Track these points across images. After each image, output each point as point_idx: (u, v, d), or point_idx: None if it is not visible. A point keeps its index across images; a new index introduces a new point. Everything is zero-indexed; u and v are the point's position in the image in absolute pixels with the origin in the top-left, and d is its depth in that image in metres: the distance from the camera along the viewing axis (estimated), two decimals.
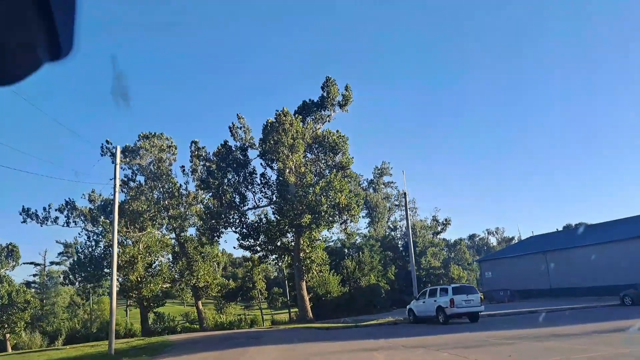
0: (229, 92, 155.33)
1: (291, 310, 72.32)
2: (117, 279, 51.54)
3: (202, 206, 39.38)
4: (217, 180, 35.05)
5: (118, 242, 52.37)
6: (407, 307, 28.38)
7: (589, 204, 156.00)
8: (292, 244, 37.46)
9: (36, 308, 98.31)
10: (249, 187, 36.79)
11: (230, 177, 36.01)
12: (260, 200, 37.38)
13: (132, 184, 49.59)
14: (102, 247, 49.74)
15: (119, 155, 25.47)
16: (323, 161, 35.43)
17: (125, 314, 69.48)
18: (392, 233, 71.91)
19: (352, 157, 36.16)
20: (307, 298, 36.30)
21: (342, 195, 33.00)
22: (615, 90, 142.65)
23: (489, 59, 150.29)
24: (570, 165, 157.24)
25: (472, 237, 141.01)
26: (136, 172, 48.42)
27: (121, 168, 49.49)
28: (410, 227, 31.22)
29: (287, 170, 34.37)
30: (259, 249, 37.99)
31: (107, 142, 47.96)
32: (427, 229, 74.03)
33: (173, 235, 50.40)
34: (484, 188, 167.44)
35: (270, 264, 38.38)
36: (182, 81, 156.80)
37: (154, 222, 47.43)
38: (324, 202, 32.52)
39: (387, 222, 78.84)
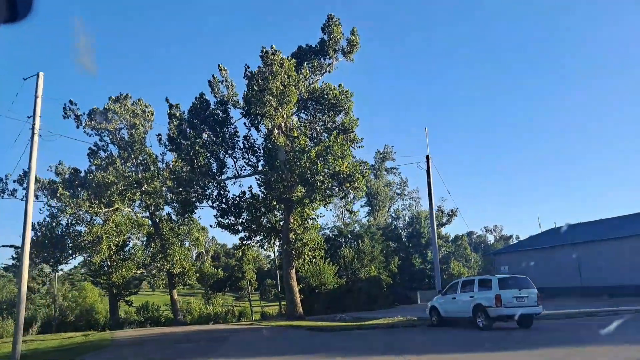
0: (213, 49, 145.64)
1: (282, 302, 65.12)
2: (85, 262, 43.91)
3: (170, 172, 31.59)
4: (189, 141, 27.49)
5: (82, 220, 45.05)
6: (429, 304, 21.00)
7: (593, 201, 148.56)
8: (281, 223, 29.99)
9: (14, 293, 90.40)
10: (229, 152, 29.25)
11: (206, 137, 28.48)
12: (243, 168, 29.92)
13: (102, 153, 42.05)
14: (64, 225, 42.30)
15: (41, 83, 17.92)
16: (321, 123, 27.94)
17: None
18: (395, 222, 64.44)
19: (357, 119, 28.64)
20: (296, 289, 28.87)
21: (343, 163, 25.54)
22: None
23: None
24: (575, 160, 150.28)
25: (469, 234, 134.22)
26: (105, 139, 40.76)
27: (87, 134, 42.09)
28: (432, 199, 23.79)
29: (276, 130, 26.89)
30: (240, 228, 30.52)
31: (71, 102, 40.45)
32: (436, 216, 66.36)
33: (148, 214, 42.93)
34: (483, 185, 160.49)
35: (255, 247, 30.57)
36: (157, 38, 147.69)
37: (123, 197, 39.91)
38: (321, 170, 25.05)
39: (388, 211, 71.33)
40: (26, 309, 61.75)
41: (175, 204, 31.38)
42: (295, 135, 27.16)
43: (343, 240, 49.90)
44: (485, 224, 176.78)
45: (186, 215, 32.59)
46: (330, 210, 64.51)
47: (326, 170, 25.73)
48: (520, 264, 43.62)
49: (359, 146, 27.83)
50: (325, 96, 28.14)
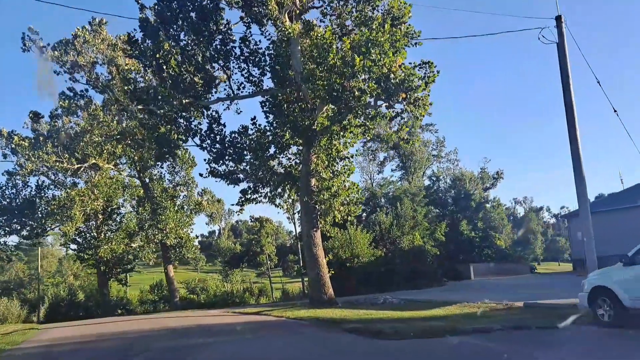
0: None
1: (305, 279, 55.94)
2: (71, 236, 34.71)
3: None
4: (159, 41, 17.56)
5: (60, 183, 36.01)
6: (587, 281, 10.56)
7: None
8: (299, 167, 20.07)
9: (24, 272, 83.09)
10: (220, 61, 19.15)
11: (184, 37, 18.48)
12: (242, 87, 19.82)
13: (80, 100, 32.44)
14: (34, 188, 33.30)
15: None
16: (352, 5, 17.48)
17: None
18: (435, 185, 53.84)
19: (410, 5, 18.03)
20: (323, 261, 18.88)
21: (395, 58, 15.34)
22: None
23: None
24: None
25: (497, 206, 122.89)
26: (74, 74, 31.01)
27: (55, 72, 32.54)
28: (570, 83, 13.20)
29: (285, 14, 16.75)
30: (241, 177, 20.70)
31: (31, 30, 30.84)
32: (478, 180, 55.49)
33: (135, 173, 33.57)
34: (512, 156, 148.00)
35: (263, 203, 20.59)
36: None
37: (101, 151, 30.51)
38: (359, 68, 14.92)
39: (423, 176, 60.51)
40: (33, 289, 52.87)
41: (148, 146, 21.47)
42: (313, 22, 17.06)
43: (376, 203, 39.88)
44: (514, 196, 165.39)
45: (166, 162, 22.71)
46: (358, 166, 54.28)
47: (368, 74, 15.55)
48: (604, 228, 32.88)
49: (416, 43, 17.36)
50: None
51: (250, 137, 20.45)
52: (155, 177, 32.77)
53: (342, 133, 17.90)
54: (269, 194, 20.90)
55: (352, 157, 19.29)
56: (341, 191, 18.54)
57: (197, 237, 35.28)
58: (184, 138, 20.60)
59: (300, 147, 19.65)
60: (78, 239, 35.84)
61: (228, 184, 20.82)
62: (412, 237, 35.37)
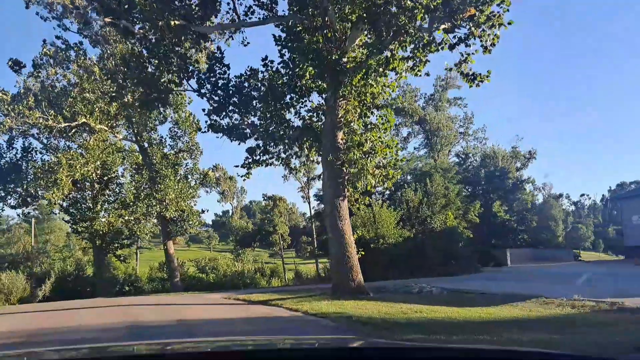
0: None
1: (320, 261, 51.84)
2: (55, 203, 30.92)
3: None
4: None
5: (42, 144, 31.84)
6: None
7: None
8: (322, 121, 15.52)
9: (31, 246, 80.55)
10: None
11: None
12: (250, 12, 15.20)
13: (70, 51, 28.11)
14: (20, 150, 29.39)
15: None
16: None
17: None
18: (466, 162, 48.79)
19: None
20: (351, 239, 14.34)
21: None
22: None
23: None
24: None
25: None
26: (70, 25, 26.54)
27: (42, 18, 28.15)
28: None
29: None
30: (248, 132, 16.24)
31: None
32: (509, 159, 50.17)
33: (133, 136, 29.34)
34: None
35: (275, 166, 16.07)
36: None
37: (92, 109, 26.28)
38: None
39: (449, 154, 55.34)
40: (40, 263, 49.32)
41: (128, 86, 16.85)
42: None
43: (402, 179, 35.18)
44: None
45: (156, 110, 18.02)
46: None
47: None
48: None
49: None
50: None
51: (261, 81, 15.95)
52: (154, 142, 28.55)
53: (381, 69, 13.24)
54: (282, 153, 16.42)
55: (392, 104, 14.49)
56: (378, 148, 13.95)
57: (203, 211, 30.76)
58: (177, 80, 16.15)
59: (324, 93, 15.05)
60: (73, 210, 32.12)
61: (232, 141, 16.39)
62: (444, 217, 30.75)
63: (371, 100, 14.28)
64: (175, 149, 28.98)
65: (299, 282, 35.61)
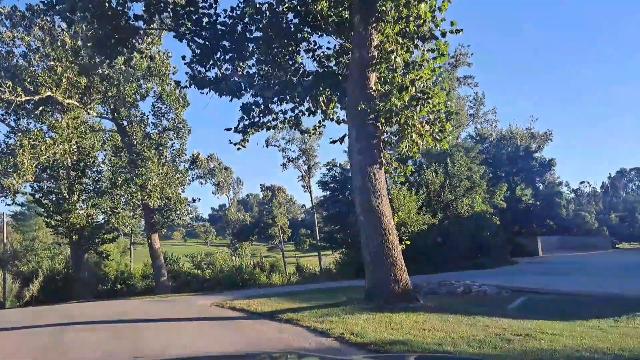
0: None
1: (324, 253, 47.72)
2: (17, 189, 26.35)
3: None
4: None
5: (7, 125, 27.15)
6: None
7: None
8: (346, 64, 11.21)
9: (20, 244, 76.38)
10: None
11: None
12: None
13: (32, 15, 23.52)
14: None
15: None
16: None
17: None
18: (481, 144, 44.52)
19: None
20: (392, 224, 10.11)
21: None
22: None
23: None
24: None
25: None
26: None
27: None
28: None
29: None
30: (244, 84, 11.92)
31: None
32: (528, 140, 45.86)
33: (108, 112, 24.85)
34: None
35: (283, 131, 11.92)
36: None
37: (58, 81, 21.83)
38: None
39: (459, 137, 50.97)
40: (27, 260, 44.81)
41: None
42: None
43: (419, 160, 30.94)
44: None
45: (121, 56, 13.54)
46: None
47: None
48: None
49: None
50: None
51: (259, 11, 11.61)
52: (135, 119, 24.11)
53: None
54: (290, 112, 12.08)
55: (446, 34, 10.11)
56: (432, 92, 9.69)
57: (194, 199, 26.39)
58: (145, 17, 11.80)
59: (348, 23, 10.73)
60: (46, 201, 27.83)
61: (221, 96, 12.06)
62: (471, 202, 26.58)
63: (414, 27, 9.96)
64: (159, 127, 24.58)
65: (303, 279, 31.75)
